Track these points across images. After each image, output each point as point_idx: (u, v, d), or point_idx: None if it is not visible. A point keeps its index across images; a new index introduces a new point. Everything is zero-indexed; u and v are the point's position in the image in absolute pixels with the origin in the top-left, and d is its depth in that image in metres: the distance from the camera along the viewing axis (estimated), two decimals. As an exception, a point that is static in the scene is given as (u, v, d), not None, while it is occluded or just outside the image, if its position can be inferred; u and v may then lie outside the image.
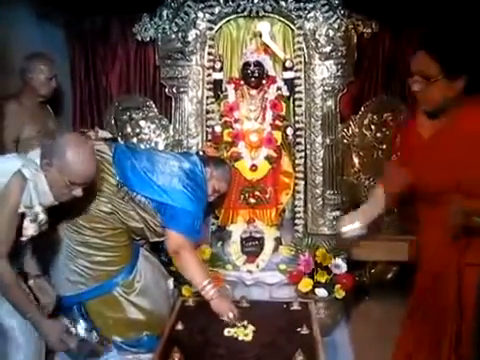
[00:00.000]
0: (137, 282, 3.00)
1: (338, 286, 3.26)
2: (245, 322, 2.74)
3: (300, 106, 3.79)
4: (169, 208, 2.90)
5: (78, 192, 2.33)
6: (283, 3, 3.72)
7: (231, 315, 2.70)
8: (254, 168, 3.53)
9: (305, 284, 3.25)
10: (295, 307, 3.01)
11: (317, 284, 3.27)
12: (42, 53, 3.47)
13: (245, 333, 2.66)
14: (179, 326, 2.74)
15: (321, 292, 3.26)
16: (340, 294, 3.26)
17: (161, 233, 3.00)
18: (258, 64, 3.62)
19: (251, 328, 2.69)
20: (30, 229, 2.27)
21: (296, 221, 3.83)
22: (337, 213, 3.77)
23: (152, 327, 2.98)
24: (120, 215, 2.89)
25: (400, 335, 2.39)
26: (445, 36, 1.99)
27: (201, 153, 3.31)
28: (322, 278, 3.27)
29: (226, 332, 2.68)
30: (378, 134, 3.96)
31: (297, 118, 3.80)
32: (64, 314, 2.93)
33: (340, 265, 3.30)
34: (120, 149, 3.02)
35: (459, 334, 2.05)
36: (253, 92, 3.66)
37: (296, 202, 3.83)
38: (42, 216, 2.29)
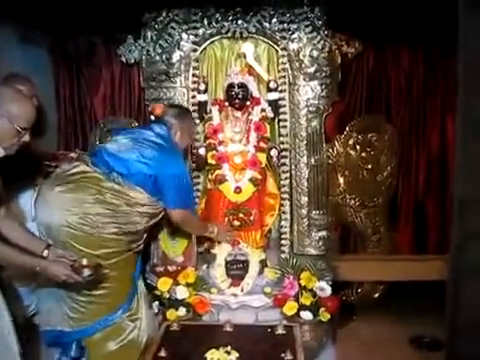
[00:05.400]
0: (139, 310, 2.94)
1: (323, 309, 3.24)
2: (229, 348, 2.75)
3: (285, 127, 3.77)
4: (163, 181, 2.89)
5: (27, 137, 2.38)
6: (267, 24, 3.71)
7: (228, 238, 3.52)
8: (238, 190, 3.50)
9: (290, 307, 3.22)
10: (279, 331, 3.01)
11: (302, 307, 3.24)
12: (18, 74, 3.45)
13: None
14: (162, 353, 2.75)
15: (306, 315, 3.23)
16: (325, 317, 3.24)
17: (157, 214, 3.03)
18: (242, 86, 3.62)
19: (235, 354, 2.70)
20: None
21: (282, 242, 3.80)
22: (323, 233, 3.76)
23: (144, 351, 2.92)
24: (126, 226, 2.84)
25: None
26: None
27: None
28: (307, 301, 3.24)
29: (209, 359, 2.68)
30: (363, 154, 3.98)
31: (282, 139, 3.79)
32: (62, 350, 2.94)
33: (324, 288, 3.28)
34: (94, 154, 3.01)
35: None
36: (237, 114, 3.66)
37: (282, 223, 3.81)
38: None
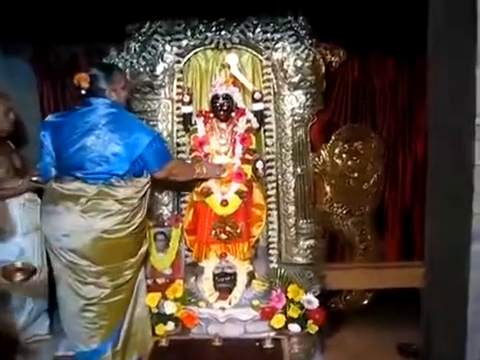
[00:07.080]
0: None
1: (311, 321, 3.24)
2: (217, 364, 2.76)
3: (271, 137, 3.77)
4: (144, 156, 2.94)
5: None
6: (250, 34, 3.69)
7: (218, 172, 3.50)
8: (225, 203, 3.48)
9: (278, 320, 3.22)
10: (267, 345, 3.02)
11: (290, 320, 3.24)
12: None
13: (216, 376, 2.67)
14: (151, 370, 2.75)
15: (294, 327, 3.23)
16: (313, 329, 3.23)
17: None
18: (227, 97, 3.58)
19: (223, 371, 2.71)
20: None
21: (270, 251, 3.81)
22: (311, 242, 3.77)
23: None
24: (140, 212, 2.99)
25: None
26: None
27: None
28: (295, 314, 3.23)
29: (197, 376, 2.70)
30: (349, 162, 3.97)
31: (268, 149, 3.78)
32: None
33: (312, 301, 3.28)
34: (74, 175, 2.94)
35: None
36: (223, 125, 3.62)
37: (270, 232, 3.81)
38: None
